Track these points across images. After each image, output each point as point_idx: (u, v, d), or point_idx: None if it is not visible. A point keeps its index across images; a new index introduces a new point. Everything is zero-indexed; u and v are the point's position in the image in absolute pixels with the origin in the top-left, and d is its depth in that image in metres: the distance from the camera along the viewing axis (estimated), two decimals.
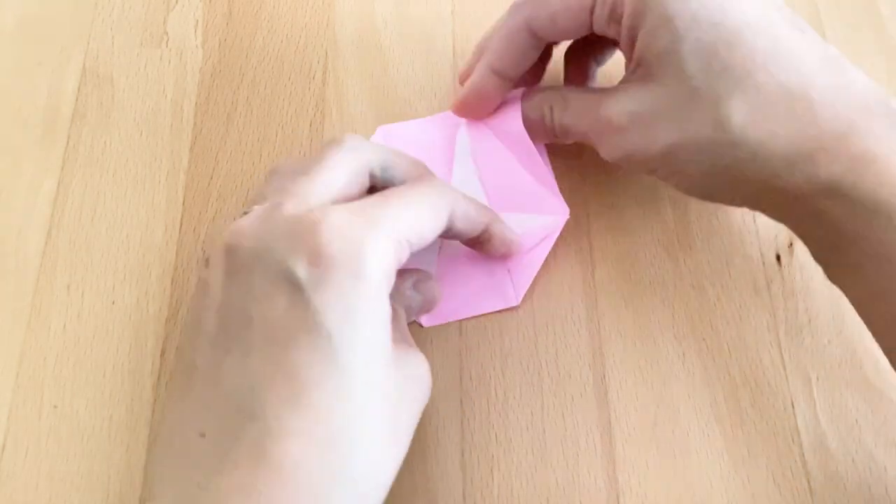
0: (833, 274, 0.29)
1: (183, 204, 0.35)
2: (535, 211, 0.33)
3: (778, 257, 0.33)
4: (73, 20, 0.39)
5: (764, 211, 0.29)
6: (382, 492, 0.25)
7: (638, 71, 0.29)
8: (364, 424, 0.24)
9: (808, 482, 0.30)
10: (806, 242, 0.29)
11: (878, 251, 0.26)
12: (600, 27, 0.29)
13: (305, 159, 0.29)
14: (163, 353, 0.32)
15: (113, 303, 0.33)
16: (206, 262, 0.27)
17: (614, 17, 0.29)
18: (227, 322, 0.25)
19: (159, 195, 0.35)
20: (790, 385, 0.31)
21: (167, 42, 0.38)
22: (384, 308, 0.25)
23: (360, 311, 0.24)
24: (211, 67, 0.38)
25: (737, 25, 0.27)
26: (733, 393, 0.31)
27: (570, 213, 0.33)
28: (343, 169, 0.28)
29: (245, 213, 0.28)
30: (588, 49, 0.34)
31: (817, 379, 0.31)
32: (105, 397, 0.31)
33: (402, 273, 0.31)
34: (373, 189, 0.29)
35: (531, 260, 0.33)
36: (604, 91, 0.30)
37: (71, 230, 0.34)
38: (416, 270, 0.32)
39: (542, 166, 0.33)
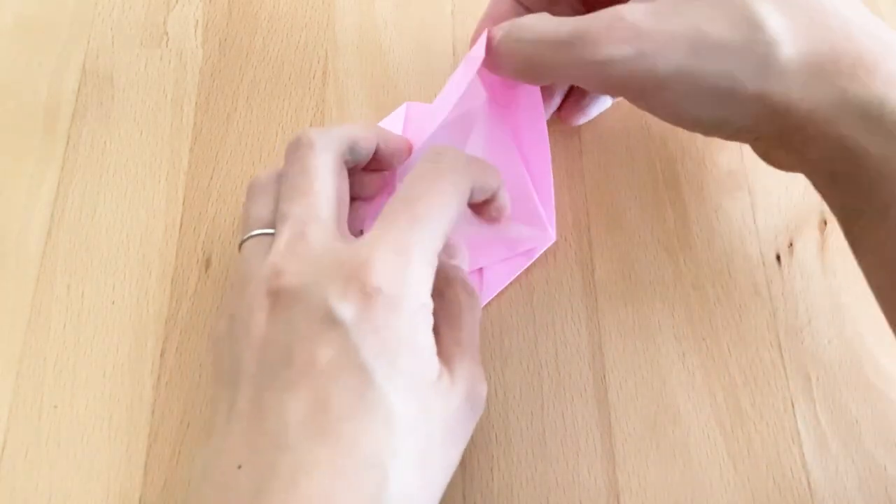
0: (859, 235, 0.26)
1: (183, 204, 0.35)
2: (524, 223, 0.32)
3: (778, 257, 0.33)
4: (73, 20, 0.39)
5: (771, 151, 0.27)
6: None
7: None
8: (395, 455, 0.24)
9: (808, 482, 0.30)
10: (827, 192, 0.27)
11: None
12: None
13: (286, 173, 0.28)
14: (163, 354, 0.32)
15: (113, 303, 0.33)
16: (240, 298, 0.26)
17: None
18: (269, 360, 0.25)
19: (159, 195, 0.35)
20: (790, 385, 0.31)
21: (167, 42, 0.38)
22: (422, 337, 0.25)
23: (396, 343, 0.24)
24: (211, 67, 0.38)
25: None
26: (733, 393, 0.31)
27: (570, 214, 0.34)
28: (328, 172, 0.28)
29: (244, 239, 0.28)
30: None
31: (817, 379, 0.31)
32: (105, 397, 0.31)
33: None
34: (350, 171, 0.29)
35: (505, 268, 0.33)
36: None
37: (71, 230, 0.34)
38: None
39: (547, 181, 0.32)
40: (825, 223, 0.34)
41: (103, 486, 0.29)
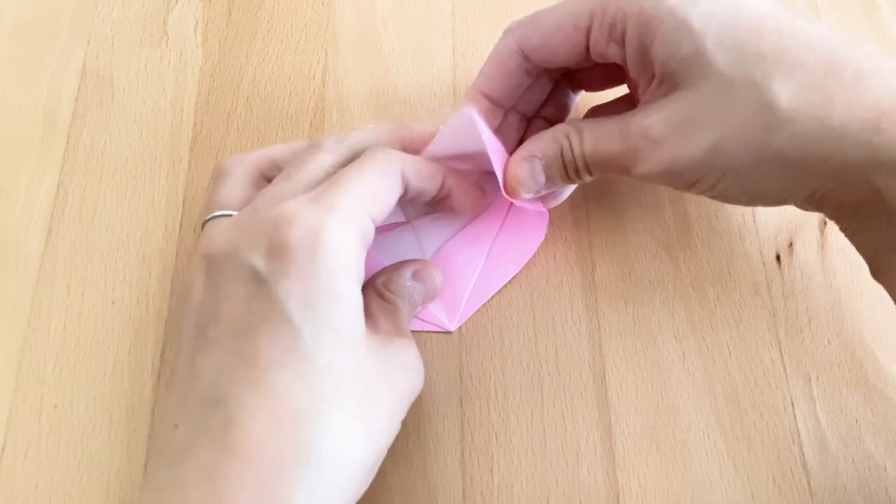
0: (882, 267, 0.27)
1: (183, 204, 0.35)
2: (442, 301, 0.33)
3: (778, 257, 0.33)
4: (73, 20, 0.39)
5: (815, 202, 0.27)
6: (355, 474, 0.25)
7: (662, 86, 0.27)
8: (329, 406, 0.24)
9: (808, 482, 0.30)
10: (855, 237, 0.27)
11: None
12: (599, 50, 0.28)
13: (293, 164, 0.29)
14: (163, 354, 0.32)
15: (113, 303, 0.33)
16: (187, 271, 0.28)
17: (614, 36, 0.27)
18: (200, 322, 0.26)
19: (159, 195, 0.35)
20: (790, 385, 0.31)
21: (167, 42, 0.38)
22: (350, 292, 0.26)
23: (321, 295, 0.25)
24: (211, 67, 0.38)
25: (756, 16, 0.26)
26: (733, 393, 0.31)
27: (570, 213, 0.34)
28: (321, 168, 0.28)
29: (205, 220, 0.29)
30: (567, 80, 0.33)
31: (817, 379, 0.31)
32: (105, 397, 0.31)
33: (400, 265, 0.31)
34: None
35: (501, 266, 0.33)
36: (624, 113, 0.28)
37: (71, 230, 0.34)
38: (414, 261, 0.32)
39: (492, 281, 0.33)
40: (825, 223, 0.34)
41: (103, 486, 0.29)
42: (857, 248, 0.28)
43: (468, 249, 0.33)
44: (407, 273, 0.31)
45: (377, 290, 0.30)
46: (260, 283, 0.25)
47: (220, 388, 0.24)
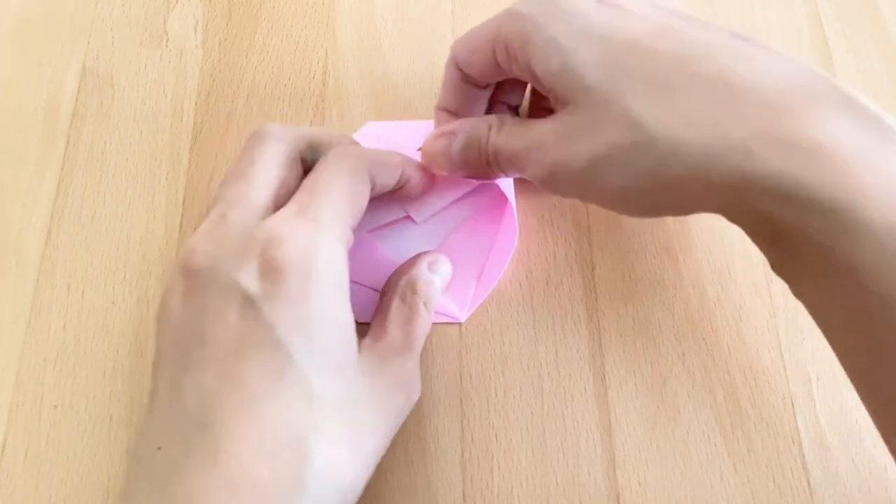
0: (797, 290, 0.25)
1: (183, 204, 0.35)
2: (450, 293, 0.33)
3: None
4: (73, 20, 0.39)
5: (713, 212, 0.26)
6: (342, 500, 0.24)
7: (557, 102, 0.27)
8: (316, 434, 0.24)
9: (808, 482, 0.30)
10: (761, 249, 0.26)
11: (842, 264, 0.22)
12: (505, 68, 0.29)
13: (238, 160, 0.28)
14: None
15: (113, 303, 0.33)
16: (164, 286, 0.27)
17: (511, 55, 0.28)
18: (183, 342, 0.25)
19: (159, 195, 0.35)
20: (790, 385, 0.31)
21: (167, 42, 0.38)
22: (342, 314, 0.25)
23: (314, 319, 0.24)
24: (211, 67, 0.38)
25: (630, 37, 0.26)
26: (733, 393, 0.31)
27: (570, 213, 0.34)
28: (276, 163, 0.28)
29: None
30: (501, 93, 0.33)
31: (817, 379, 0.31)
32: (105, 397, 0.31)
33: (415, 261, 0.31)
34: (306, 171, 0.29)
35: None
36: (536, 118, 0.29)
37: (71, 230, 0.34)
38: (426, 253, 0.32)
39: (495, 268, 0.33)
40: None
41: (103, 486, 0.29)
42: (771, 266, 0.26)
43: (473, 240, 0.33)
44: (424, 266, 0.31)
45: (401, 293, 0.30)
46: (250, 304, 0.24)
47: (208, 414, 0.23)
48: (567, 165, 0.27)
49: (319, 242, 0.25)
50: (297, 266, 0.24)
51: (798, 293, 0.25)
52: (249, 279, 0.24)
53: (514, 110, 0.33)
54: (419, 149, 0.31)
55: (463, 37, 0.30)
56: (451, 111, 0.32)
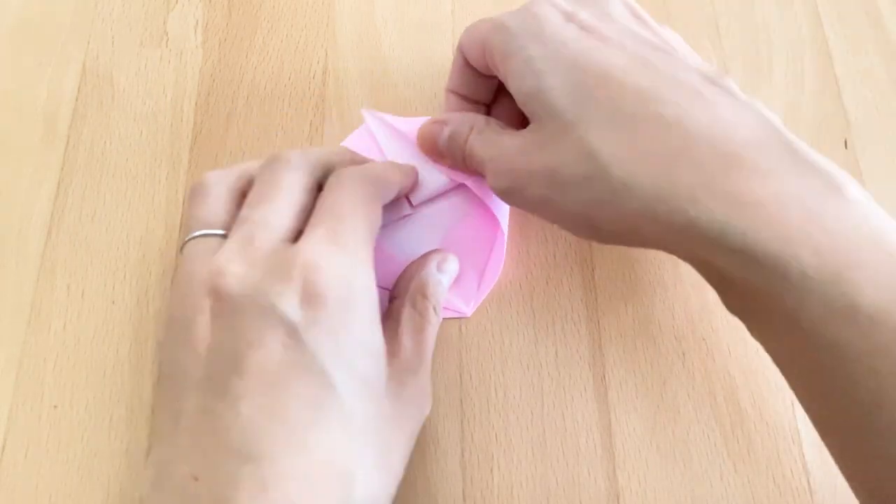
0: (751, 332, 0.26)
1: (183, 204, 0.35)
2: (455, 289, 0.33)
3: None
4: (73, 20, 0.39)
5: (665, 250, 0.27)
6: None
7: (530, 118, 0.28)
8: (356, 462, 0.24)
9: (808, 482, 0.30)
10: (714, 289, 0.26)
11: (788, 313, 0.23)
12: (495, 72, 0.30)
13: (257, 183, 0.28)
14: None
15: (113, 303, 0.33)
16: (182, 300, 0.26)
17: (493, 64, 0.29)
18: (216, 366, 0.24)
19: (159, 195, 0.35)
20: None
21: (167, 42, 0.38)
22: (376, 340, 0.26)
23: (352, 346, 0.25)
24: (211, 67, 0.38)
25: (602, 68, 0.26)
26: (733, 393, 0.31)
27: None
28: (298, 188, 0.28)
29: (186, 241, 0.28)
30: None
31: None
32: (105, 397, 0.31)
33: (424, 262, 0.31)
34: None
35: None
36: (512, 130, 0.30)
37: (71, 230, 0.34)
38: (434, 253, 0.32)
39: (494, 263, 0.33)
40: None
41: (103, 486, 0.29)
42: (724, 305, 0.27)
43: (475, 232, 0.33)
44: (433, 267, 0.31)
45: (412, 298, 0.30)
46: (292, 332, 0.24)
47: (253, 445, 0.23)
48: (525, 183, 0.27)
49: (355, 269, 0.25)
50: (336, 293, 0.24)
51: (753, 334, 0.26)
52: (291, 305, 0.24)
53: None
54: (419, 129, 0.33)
55: (470, 27, 0.31)
56: (461, 94, 0.32)
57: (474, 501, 0.29)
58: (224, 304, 0.25)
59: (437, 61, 0.38)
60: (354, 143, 0.35)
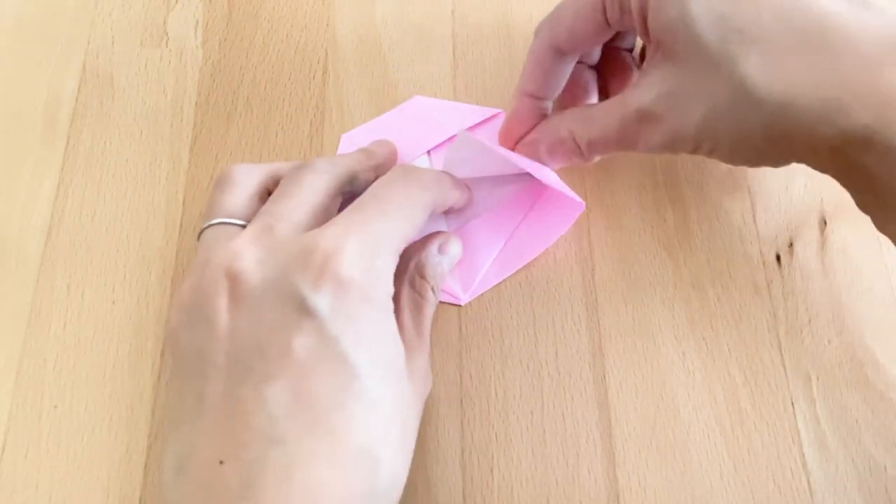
0: (879, 223, 0.27)
1: (183, 204, 0.35)
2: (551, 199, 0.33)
3: (778, 257, 0.33)
4: (73, 20, 0.39)
5: (810, 165, 0.28)
6: (398, 497, 0.25)
7: (657, 54, 0.28)
8: (381, 444, 0.24)
9: (808, 482, 0.30)
10: (850, 193, 0.28)
11: None
12: (615, 23, 0.29)
13: (282, 183, 0.29)
14: (163, 354, 0.32)
15: (113, 303, 0.33)
16: (198, 284, 0.26)
17: (624, 7, 0.29)
18: (238, 352, 0.24)
19: (159, 195, 0.35)
20: (790, 385, 0.31)
21: (167, 42, 0.38)
22: (392, 325, 0.26)
23: (373, 332, 0.25)
24: (211, 67, 0.38)
25: None
26: (733, 393, 0.31)
27: None
28: (322, 189, 0.28)
29: (205, 227, 0.28)
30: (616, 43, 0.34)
31: (817, 379, 0.31)
32: (105, 397, 0.31)
33: (425, 242, 0.31)
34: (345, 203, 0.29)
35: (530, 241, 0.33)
36: (623, 93, 0.30)
37: (71, 230, 0.34)
38: (437, 234, 0.32)
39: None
40: (825, 223, 0.34)
41: (103, 486, 0.29)
42: (856, 204, 0.28)
43: (491, 228, 0.33)
44: (434, 248, 0.31)
45: (410, 278, 0.30)
46: (313, 317, 0.24)
47: (278, 428, 0.23)
48: (682, 132, 0.28)
49: (379, 262, 0.26)
50: (357, 280, 0.24)
51: (881, 228, 0.27)
52: (312, 292, 0.24)
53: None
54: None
55: (554, 15, 0.31)
56: (535, 95, 0.32)
57: (474, 501, 0.29)
58: (242, 287, 0.25)
59: (436, 61, 0.38)
60: (359, 137, 0.35)
